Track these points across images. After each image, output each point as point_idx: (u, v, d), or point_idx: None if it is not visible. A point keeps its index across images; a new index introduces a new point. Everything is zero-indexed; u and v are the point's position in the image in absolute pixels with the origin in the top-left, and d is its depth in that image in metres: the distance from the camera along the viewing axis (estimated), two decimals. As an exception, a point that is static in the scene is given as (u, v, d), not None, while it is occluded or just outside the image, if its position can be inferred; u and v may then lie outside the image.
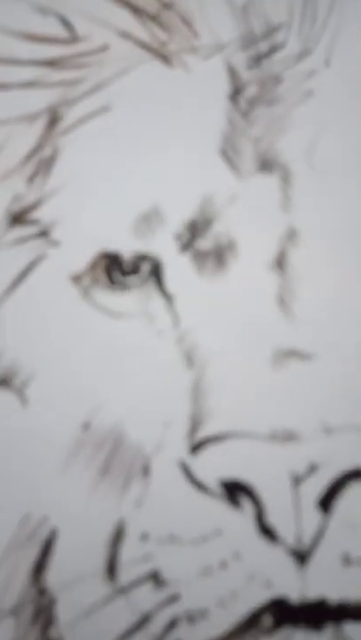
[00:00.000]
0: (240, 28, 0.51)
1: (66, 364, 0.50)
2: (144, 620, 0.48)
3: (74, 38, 0.50)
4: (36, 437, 0.49)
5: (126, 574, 0.49)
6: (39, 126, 0.49)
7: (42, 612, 0.49)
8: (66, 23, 0.50)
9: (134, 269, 0.50)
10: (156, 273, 0.50)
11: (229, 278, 0.50)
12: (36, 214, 0.49)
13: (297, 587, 0.49)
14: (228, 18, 0.51)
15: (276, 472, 0.48)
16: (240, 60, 0.51)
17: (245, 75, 0.51)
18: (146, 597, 0.48)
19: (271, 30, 0.51)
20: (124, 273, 0.50)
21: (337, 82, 0.52)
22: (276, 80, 0.51)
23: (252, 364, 0.50)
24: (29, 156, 0.49)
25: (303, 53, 0.51)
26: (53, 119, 0.49)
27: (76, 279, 0.49)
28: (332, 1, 0.52)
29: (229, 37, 0.51)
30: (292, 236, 0.51)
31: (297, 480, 0.48)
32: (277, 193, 0.51)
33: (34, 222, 0.49)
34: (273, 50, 0.51)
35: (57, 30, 0.50)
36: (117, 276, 0.50)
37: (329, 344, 0.50)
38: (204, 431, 0.49)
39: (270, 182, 0.51)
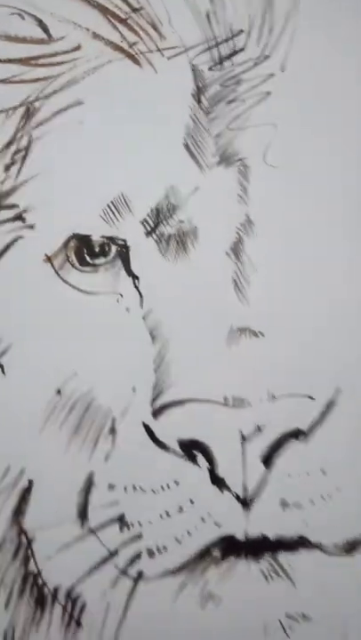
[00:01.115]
0: (204, 32, 0.48)
1: (40, 337, 0.47)
2: (111, 555, 0.47)
3: (49, 39, 0.46)
4: (15, 401, 0.47)
5: (96, 518, 0.47)
6: (16, 119, 0.46)
7: (20, 549, 0.47)
8: (42, 25, 0.46)
9: (103, 252, 0.48)
10: (123, 255, 0.48)
11: (190, 262, 0.48)
12: (12, 199, 0.47)
13: (242, 526, 0.47)
14: (193, 23, 0.48)
15: (227, 433, 0.47)
16: (203, 61, 0.48)
17: (208, 75, 0.48)
18: (113, 537, 0.47)
19: (232, 36, 0.48)
20: (94, 255, 0.48)
21: (292, 85, 0.49)
22: (237, 81, 0.48)
23: (209, 340, 0.48)
24: (6, 147, 0.46)
25: (261, 58, 0.48)
26: (29, 112, 0.46)
27: (49, 259, 0.47)
28: (288, 12, 0.49)
29: (194, 40, 0.48)
30: (247, 225, 0.49)
31: (244, 439, 0.47)
32: (235, 185, 0.48)
33: (10, 207, 0.47)
34: (233, 53, 0.48)
35: (33, 32, 0.46)
36: (87, 256, 0.47)
37: (277, 324, 0.48)
38: (166, 397, 0.47)
39: (229, 175, 0.48)
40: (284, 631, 0.49)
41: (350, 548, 0.50)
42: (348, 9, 0.51)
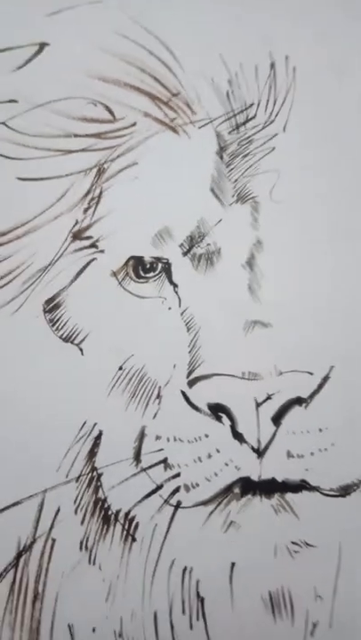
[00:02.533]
0: (224, 107, 0.48)
1: (108, 329, 0.47)
2: (157, 488, 0.47)
3: (114, 119, 0.47)
4: (90, 374, 0.47)
5: (146, 460, 0.47)
6: (91, 176, 0.47)
7: (92, 480, 0.47)
8: (108, 109, 0.47)
9: (152, 268, 0.48)
10: (167, 270, 0.48)
11: (215, 273, 0.48)
12: (89, 233, 0.47)
13: (256, 471, 0.47)
14: (216, 100, 0.48)
15: (244, 399, 0.46)
16: (224, 127, 0.48)
17: (228, 138, 0.48)
18: (159, 474, 0.47)
19: (245, 108, 0.48)
20: (145, 270, 0.48)
21: (291, 142, 0.48)
22: (249, 141, 0.48)
23: (229, 330, 0.47)
24: (85, 196, 0.47)
25: (268, 122, 0.48)
26: (100, 171, 0.47)
27: (114, 274, 0.47)
28: (287, 89, 0.48)
29: (217, 113, 0.48)
30: (258, 245, 0.48)
31: (258, 404, 0.46)
32: (249, 217, 0.48)
33: (88, 238, 0.47)
34: (247, 121, 0.48)
35: (103, 115, 0.47)
36: (141, 272, 0.47)
37: (281, 318, 0.48)
38: (198, 372, 0.47)
39: (244, 210, 0.48)
40: (290, 554, 0.48)
41: (343, 490, 0.49)
42: (330, 83, 0.49)
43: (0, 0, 0.46)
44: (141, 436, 0.47)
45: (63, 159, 0.46)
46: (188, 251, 0.48)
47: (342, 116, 0.50)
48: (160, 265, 0.48)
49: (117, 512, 0.47)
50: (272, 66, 0.49)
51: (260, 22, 0.49)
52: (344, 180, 0.50)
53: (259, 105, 0.48)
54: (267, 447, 0.46)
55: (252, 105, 0.48)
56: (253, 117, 0.48)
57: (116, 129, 0.47)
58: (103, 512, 0.47)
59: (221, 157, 0.48)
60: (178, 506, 0.47)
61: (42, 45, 0.46)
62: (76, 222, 0.46)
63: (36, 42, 0.46)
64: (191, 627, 0.47)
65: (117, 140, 0.47)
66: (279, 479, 0.47)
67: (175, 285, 0.48)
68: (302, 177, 0.49)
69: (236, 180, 0.48)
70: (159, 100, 0.47)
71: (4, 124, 0.46)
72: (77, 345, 0.47)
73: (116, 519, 0.47)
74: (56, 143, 0.46)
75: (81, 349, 0.47)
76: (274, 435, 0.46)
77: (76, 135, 0.46)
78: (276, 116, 0.48)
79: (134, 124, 0.47)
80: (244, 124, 0.48)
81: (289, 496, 0.47)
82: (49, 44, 0.47)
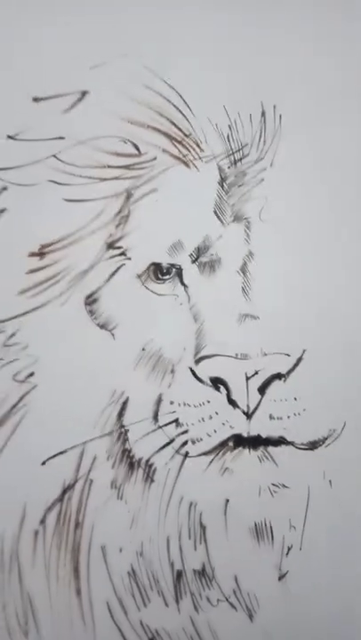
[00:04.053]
0: (225, 146, 0.50)
1: (133, 319, 0.49)
2: (170, 441, 0.49)
3: (139, 154, 0.49)
4: (119, 353, 0.49)
5: (162, 419, 0.49)
6: (121, 199, 0.49)
7: (121, 435, 0.49)
8: (135, 146, 0.49)
9: (168, 272, 0.50)
10: (179, 274, 0.50)
11: (216, 277, 0.50)
12: (119, 244, 0.49)
13: (246, 429, 0.50)
14: (219, 142, 0.50)
15: (237, 374, 0.49)
16: (225, 163, 0.50)
17: (227, 171, 0.50)
18: (171, 431, 0.49)
19: (241, 147, 0.50)
20: (163, 274, 0.50)
21: (277, 175, 0.51)
22: (243, 174, 0.50)
23: (226, 321, 0.50)
24: (116, 214, 0.49)
25: (258, 159, 0.50)
26: (128, 195, 0.49)
27: (139, 276, 0.49)
28: (274, 133, 0.51)
29: (219, 151, 0.50)
30: (249, 256, 0.51)
31: (247, 378, 0.49)
32: (243, 233, 0.50)
33: (119, 248, 0.49)
34: (242, 157, 0.50)
35: (131, 150, 0.49)
36: (159, 274, 0.50)
37: (267, 312, 0.50)
38: (202, 353, 0.50)
39: (239, 228, 0.50)
40: (271, 493, 0.51)
41: (312, 445, 0.51)
42: (310, 128, 0.52)
43: (51, 56, 0.49)
44: (158, 401, 0.49)
45: (99, 185, 0.48)
46: (196, 259, 0.50)
47: (320, 153, 0.52)
48: (174, 270, 0.49)
49: (140, 459, 0.49)
50: (263, 114, 0.51)
51: (254, 79, 0.51)
52: (320, 204, 0.52)
53: (252, 145, 0.50)
54: (254, 411, 0.49)
55: (246, 145, 0.50)
56: (247, 155, 0.50)
57: (141, 162, 0.49)
58: (129, 459, 0.49)
59: (222, 186, 0.50)
60: (186, 455, 0.49)
61: (83, 93, 0.48)
62: (110, 235, 0.49)
63: (79, 90, 0.48)
64: (195, 548, 0.50)
65: (142, 170, 0.49)
66: (263, 436, 0.49)
67: (186, 286, 0.49)
68: (285, 202, 0.51)
69: (233, 204, 0.50)
70: (175, 140, 0.49)
71: (54, 156, 0.48)
72: (110, 331, 0.49)
73: (139, 465, 0.49)
74: (94, 172, 0.48)
75: (113, 334, 0.49)
76: (259, 402, 0.49)
77: (109, 166, 0.48)
78: (266, 154, 0.50)
79: (155, 159, 0.49)
80: (240, 160, 0.50)
81: (270, 449, 0.49)
82: (89, 92, 0.48)
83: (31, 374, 0.48)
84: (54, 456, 0.48)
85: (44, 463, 0.48)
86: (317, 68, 0.53)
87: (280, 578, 0.51)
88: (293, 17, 0.52)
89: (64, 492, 0.48)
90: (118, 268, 0.49)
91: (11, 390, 0.48)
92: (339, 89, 0.53)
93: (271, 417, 0.50)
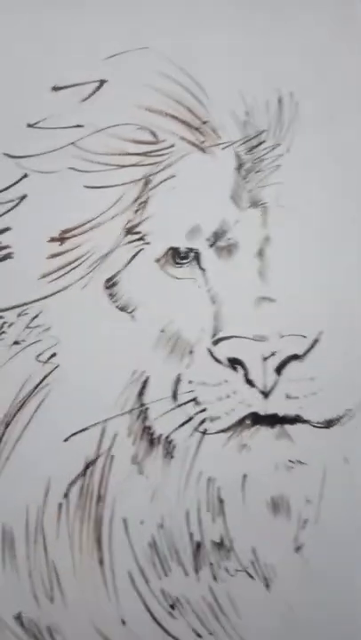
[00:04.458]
0: (242, 132, 0.45)
1: (152, 301, 0.45)
2: (189, 419, 0.45)
3: (157, 141, 0.44)
4: (140, 335, 0.45)
5: (181, 398, 0.45)
6: (140, 185, 0.44)
7: (142, 413, 0.45)
8: (153, 134, 0.44)
9: (186, 256, 0.45)
10: (197, 258, 0.45)
11: (233, 261, 0.46)
12: (138, 229, 0.44)
13: (263, 408, 0.45)
14: (236, 128, 0.45)
15: (254, 355, 0.44)
16: (242, 149, 0.45)
17: (244, 157, 0.45)
18: (190, 409, 0.45)
19: (258, 134, 0.45)
20: (181, 258, 0.45)
21: (293, 160, 0.45)
22: (260, 160, 0.45)
23: (245, 303, 0.45)
24: (135, 201, 0.44)
25: (275, 146, 0.45)
26: (147, 182, 0.44)
27: (157, 261, 0.45)
28: (291, 119, 0.46)
29: (236, 137, 0.45)
30: (266, 240, 0.45)
31: (264, 359, 0.44)
32: (259, 218, 0.45)
33: (138, 233, 0.44)
34: (259, 144, 0.45)
35: (149, 137, 0.44)
36: (177, 259, 0.45)
37: (283, 295, 0.46)
38: (220, 334, 0.45)
39: (256, 213, 0.45)
40: (287, 469, 0.45)
41: (327, 423, 0.46)
42: (325, 114, 0.46)
43: (70, 46, 0.43)
44: (178, 380, 0.44)
45: (118, 172, 0.43)
46: (214, 243, 0.45)
47: (336, 139, 0.46)
48: (192, 254, 0.44)
49: (159, 436, 0.44)
50: (280, 100, 0.45)
51: (271, 65, 0.45)
52: (336, 189, 0.46)
53: (269, 132, 0.44)
54: (271, 390, 0.44)
55: (263, 131, 0.44)
56: (264, 141, 0.44)
57: (159, 149, 0.44)
58: (149, 436, 0.44)
59: (239, 172, 0.44)
60: (204, 432, 0.44)
61: (101, 82, 0.43)
62: (129, 221, 0.44)
63: (97, 79, 0.43)
64: (214, 521, 0.45)
65: (160, 157, 0.44)
66: (280, 414, 0.44)
67: (203, 270, 0.44)
68: (301, 187, 0.45)
69: (250, 190, 0.44)
70: (192, 127, 0.44)
71: (73, 144, 0.42)
72: (130, 313, 0.44)
73: (159, 441, 0.44)
74: (113, 159, 0.43)
75: (132, 316, 0.44)
76: (276, 381, 0.43)
77: (128, 153, 0.43)
78: (283, 140, 0.45)
79: (173, 146, 0.44)
80: (257, 146, 0.44)
81: (287, 427, 0.44)
82: (107, 81, 0.43)
83: (53, 355, 0.43)
84: (76, 433, 0.44)
85: (66, 440, 0.43)
86: (334, 56, 0.46)
87: (296, 550, 0.45)
88: (309, 3, 0.46)
89: (86, 467, 0.44)
90: (137, 253, 0.44)
91: (34, 370, 0.43)
92: (355, 76, 0.46)
93: (288, 396, 0.44)
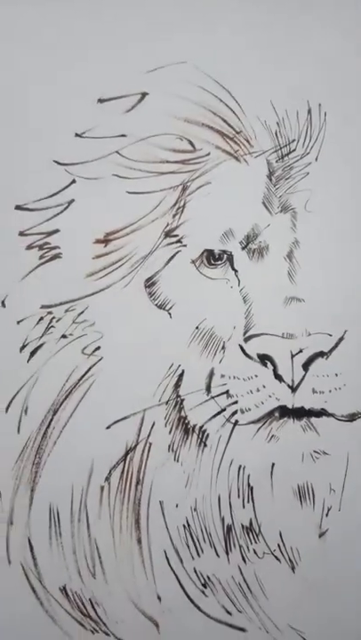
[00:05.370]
0: (273, 142, 0.46)
1: (188, 300, 0.47)
2: (222, 410, 0.46)
3: (194, 150, 0.46)
4: (176, 331, 0.46)
5: (214, 391, 0.46)
6: (178, 191, 0.46)
7: (178, 404, 0.46)
8: (190, 143, 0.46)
9: (220, 258, 0.46)
10: (230, 259, 0.46)
11: (264, 263, 0.47)
12: (176, 232, 0.46)
13: (291, 401, 0.46)
14: (268, 137, 0.46)
15: (283, 351, 0.45)
16: (273, 157, 0.46)
17: (275, 165, 0.46)
18: (223, 401, 0.46)
19: (289, 143, 0.46)
20: (215, 259, 0.46)
21: (321, 169, 0.47)
22: (290, 167, 0.46)
23: (274, 303, 0.47)
24: (173, 205, 0.46)
25: (304, 154, 0.46)
26: (184, 188, 0.46)
27: (193, 262, 0.46)
28: (319, 129, 0.47)
29: (268, 146, 0.46)
30: (295, 243, 0.47)
31: (293, 355, 0.45)
32: (289, 222, 0.47)
33: (175, 236, 0.46)
34: (289, 152, 0.46)
35: (186, 147, 0.46)
36: (212, 260, 0.46)
37: (311, 295, 0.47)
38: (251, 332, 0.46)
39: (286, 217, 0.47)
40: (313, 459, 0.46)
41: (351, 417, 0.47)
42: (353, 125, 0.47)
43: (114, 61, 0.45)
44: (211, 374, 0.45)
45: (158, 179, 0.45)
46: (246, 246, 0.46)
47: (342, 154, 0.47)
48: (225, 256, 0.46)
49: (194, 426, 0.46)
50: (309, 111, 0.46)
51: (300, 78, 0.46)
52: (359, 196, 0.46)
53: (298, 141, 0.46)
54: (298, 385, 0.45)
55: (293, 141, 0.45)
56: (294, 150, 0.45)
57: (196, 157, 0.45)
58: (184, 426, 0.46)
59: (270, 179, 0.46)
60: (236, 423, 0.45)
61: (143, 94, 0.45)
62: (167, 224, 0.45)
63: (139, 92, 0.45)
64: (244, 506, 0.46)
65: (196, 165, 0.45)
66: (306, 407, 0.45)
67: (236, 270, 0.46)
68: (329, 194, 0.46)
69: (280, 196, 0.46)
70: (227, 137, 0.45)
71: (117, 152, 0.44)
72: (167, 311, 0.46)
73: (193, 431, 0.46)
74: (153, 167, 0.45)
75: (170, 314, 0.46)
76: (303, 377, 0.45)
77: (167, 161, 0.45)
78: (311, 149, 0.46)
79: (209, 154, 0.45)
80: (287, 155, 0.45)
81: (313, 419, 0.46)
82: (149, 94, 0.45)
83: (97, 348, 0.45)
84: (118, 421, 0.45)
85: (108, 427, 0.45)
86: (358, 65, 0.48)
87: (320, 535, 0.47)
88: (334, 20, 0.47)
89: (126, 453, 0.45)
90: (175, 254, 0.46)
91: (80, 362, 0.45)
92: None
93: (314, 391, 0.46)
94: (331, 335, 0.46)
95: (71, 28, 0.45)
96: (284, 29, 0.46)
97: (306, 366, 0.45)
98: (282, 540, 0.46)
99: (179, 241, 0.45)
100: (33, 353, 0.45)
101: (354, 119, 0.47)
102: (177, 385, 0.46)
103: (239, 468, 0.46)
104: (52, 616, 0.45)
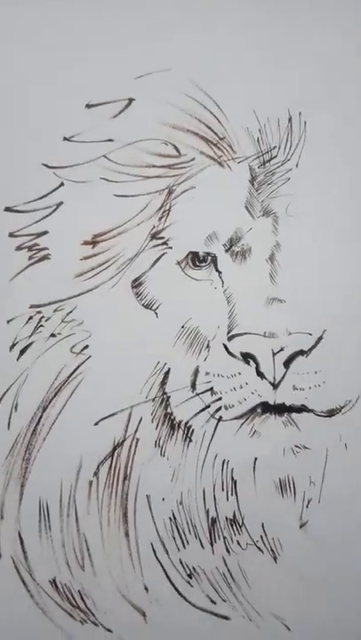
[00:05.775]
0: (255, 148, 0.47)
1: (174, 300, 0.47)
2: (206, 407, 0.47)
3: (179, 155, 0.46)
4: (162, 331, 0.47)
5: (199, 388, 0.47)
6: (163, 195, 0.46)
7: (163, 400, 0.47)
8: (176, 148, 0.46)
9: (204, 260, 0.47)
10: (214, 261, 0.47)
11: (247, 265, 0.47)
12: (161, 235, 0.46)
13: (272, 398, 0.47)
14: (250, 144, 0.47)
15: (265, 350, 0.46)
16: (255, 163, 0.47)
17: (257, 170, 0.47)
18: (207, 398, 0.47)
19: (270, 149, 0.47)
20: (200, 261, 0.47)
21: (302, 174, 0.47)
22: (272, 173, 0.47)
23: (257, 303, 0.47)
24: (159, 209, 0.46)
25: (285, 160, 0.47)
26: (170, 192, 0.46)
27: (178, 263, 0.47)
28: (300, 137, 0.48)
29: (250, 153, 0.47)
30: (277, 246, 0.47)
31: (274, 353, 0.46)
32: (271, 226, 0.47)
33: (161, 238, 0.46)
34: (271, 159, 0.47)
35: (172, 152, 0.46)
36: (196, 262, 0.47)
37: (291, 296, 0.48)
38: (234, 331, 0.47)
39: (268, 221, 0.47)
40: (293, 453, 0.48)
41: (329, 413, 0.48)
42: (331, 133, 0.48)
43: (102, 68, 0.46)
44: (196, 372, 0.46)
45: (144, 182, 0.45)
46: (229, 249, 0.47)
47: (341, 155, 0.48)
48: (209, 258, 0.47)
49: (180, 422, 0.46)
50: (290, 119, 0.47)
51: (282, 87, 0.47)
52: (341, 201, 0.48)
53: (279, 148, 0.47)
54: (279, 382, 0.46)
55: (274, 147, 0.46)
56: (275, 156, 0.47)
57: (181, 162, 0.46)
58: (170, 422, 0.47)
59: (253, 184, 0.46)
60: (220, 419, 0.46)
61: (130, 100, 0.45)
62: (153, 227, 0.46)
63: (126, 98, 0.46)
64: (227, 499, 0.47)
65: (181, 170, 0.46)
66: (287, 404, 0.46)
67: (220, 272, 0.47)
68: (309, 199, 0.48)
69: (262, 201, 0.46)
70: (211, 143, 0.46)
71: (105, 156, 0.45)
72: (154, 310, 0.46)
73: (179, 427, 0.47)
74: (140, 171, 0.45)
75: (156, 313, 0.46)
76: (284, 374, 0.46)
77: (153, 166, 0.45)
78: (292, 155, 0.47)
79: (193, 159, 0.46)
80: (268, 161, 0.47)
81: (294, 415, 0.47)
82: (135, 100, 0.45)
83: (86, 347, 0.46)
84: (106, 418, 0.46)
85: (96, 423, 0.46)
86: (345, 69, 0.49)
87: (301, 526, 0.48)
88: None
89: (114, 448, 0.46)
90: (161, 256, 0.46)
91: (69, 361, 0.46)
92: (358, 97, 0.49)
93: (295, 388, 0.47)
94: (311, 334, 0.47)
95: (60, 35, 0.46)
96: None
97: (287, 364, 0.46)
98: (264, 532, 0.47)
99: (165, 243, 0.46)
100: (23, 351, 0.45)
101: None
102: (163, 382, 0.46)
103: (223, 463, 0.47)
104: (42, 608, 0.45)
